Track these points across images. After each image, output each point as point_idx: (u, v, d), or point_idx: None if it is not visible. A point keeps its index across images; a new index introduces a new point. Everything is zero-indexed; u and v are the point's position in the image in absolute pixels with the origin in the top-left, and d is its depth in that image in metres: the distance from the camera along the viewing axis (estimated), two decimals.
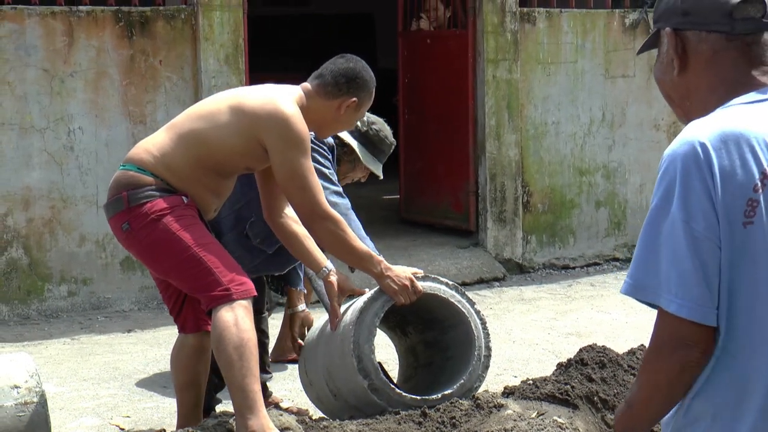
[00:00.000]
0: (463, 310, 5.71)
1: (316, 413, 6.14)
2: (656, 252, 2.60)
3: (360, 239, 5.82)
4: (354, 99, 5.48)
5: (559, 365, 5.91)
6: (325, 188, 6.05)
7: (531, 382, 5.69)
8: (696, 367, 2.62)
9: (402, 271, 5.55)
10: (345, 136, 6.56)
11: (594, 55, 11.87)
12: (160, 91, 10.01)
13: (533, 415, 5.22)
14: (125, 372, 8.13)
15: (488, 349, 5.81)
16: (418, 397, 5.56)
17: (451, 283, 5.89)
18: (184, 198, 5.38)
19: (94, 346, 8.87)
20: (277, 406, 5.70)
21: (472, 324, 5.75)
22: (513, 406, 5.34)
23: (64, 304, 9.80)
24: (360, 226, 6.17)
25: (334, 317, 5.62)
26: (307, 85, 5.55)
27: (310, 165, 5.37)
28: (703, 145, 2.60)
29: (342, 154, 6.60)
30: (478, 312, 5.82)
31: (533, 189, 11.57)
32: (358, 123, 6.43)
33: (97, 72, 9.80)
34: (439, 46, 12.05)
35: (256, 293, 5.39)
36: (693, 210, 2.57)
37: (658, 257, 2.60)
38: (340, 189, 6.34)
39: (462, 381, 5.64)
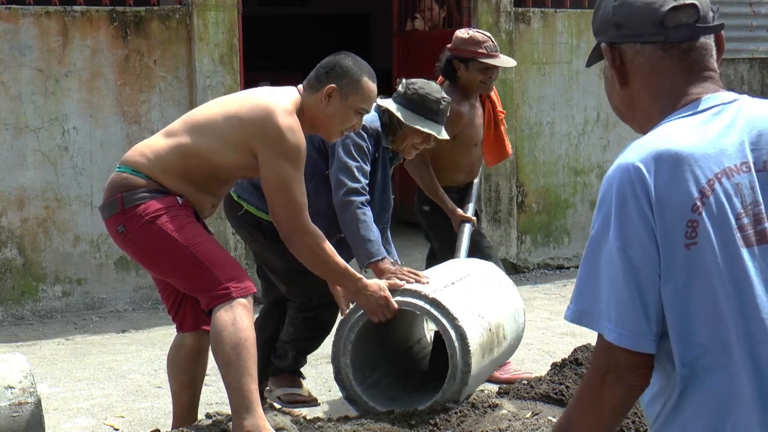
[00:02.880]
0: (437, 327, 5.64)
1: (310, 414, 6.15)
2: (596, 280, 2.60)
3: (368, 232, 6.00)
4: (333, 86, 5.45)
5: (554, 365, 5.94)
6: (341, 185, 6.13)
7: (526, 382, 5.72)
8: (638, 392, 2.64)
9: (378, 288, 5.56)
10: (385, 101, 6.44)
11: (588, 55, 11.87)
12: (155, 91, 10.01)
13: (528, 415, 5.23)
14: (119, 372, 8.13)
15: (466, 365, 5.60)
16: (391, 410, 5.57)
17: (430, 296, 5.68)
18: (178, 198, 5.37)
19: (89, 346, 8.87)
20: (271, 406, 5.69)
21: (446, 341, 5.63)
22: (508, 406, 5.36)
23: (58, 304, 9.80)
24: (371, 221, 6.11)
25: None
26: (300, 85, 5.57)
27: (300, 178, 5.35)
28: (637, 169, 2.57)
29: (387, 122, 6.40)
30: (457, 327, 5.61)
31: (528, 189, 11.59)
32: (399, 87, 6.42)
33: (92, 72, 9.81)
34: (434, 46, 12.05)
35: (255, 290, 5.39)
36: (629, 238, 2.56)
37: (598, 285, 2.60)
38: (359, 186, 6.17)
39: (436, 398, 5.63)
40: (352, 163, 6.16)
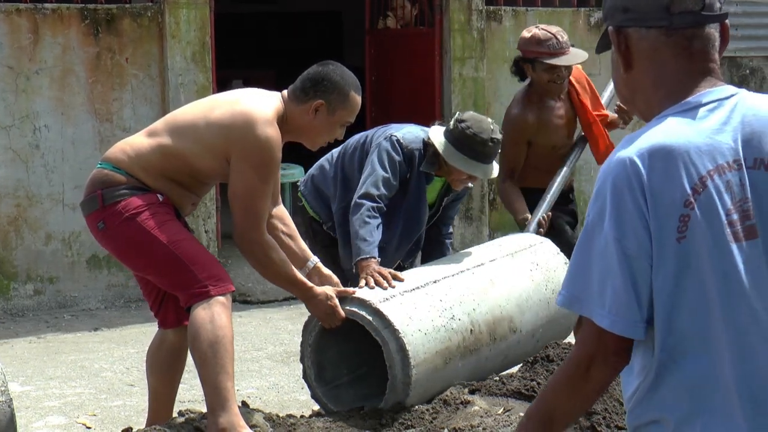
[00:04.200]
0: (377, 338, 5.60)
1: (282, 411, 6.16)
2: (589, 267, 2.64)
3: (368, 233, 5.97)
4: (320, 101, 5.42)
5: (525, 362, 5.94)
6: (362, 187, 6.13)
7: (497, 378, 5.72)
8: (616, 375, 2.70)
9: (325, 297, 5.56)
10: (435, 133, 6.24)
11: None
12: (127, 89, 10.00)
13: (500, 411, 5.24)
14: (92, 370, 8.12)
15: (407, 377, 5.49)
16: (361, 407, 5.58)
17: (374, 306, 5.55)
18: (159, 196, 5.36)
19: (61, 344, 8.86)
20: (244, 404, 5.69)
21: (385, 353, 5.54)
22: (479, 403, 5.36)
23: (30, 302, 9.79)
24: (375, 226, 6.04)
25: None
26: (285, 92, 5.55)
27: (265, 190, 5.34)
28: (633, 163, 2.61)
29: (432, 154, 6.22)
30: (397, 339, 5.48)
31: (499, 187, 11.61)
32: (452, 120, 6.23)
33: (63, 69, 9.79)
34: (406, 44, 12.08)
35: (233, 289, 5.40)
36: (625, 229, 2.60)
37: (590, 272, 2.64)
38: (377, 194, 6.09)
39: (380, 405, 5.59)
40: (380, 172, 6.14)
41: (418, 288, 5.78)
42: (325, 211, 6.50)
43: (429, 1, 11.66)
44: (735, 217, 2.62)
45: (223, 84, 10.71)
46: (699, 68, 2.73)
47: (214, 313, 5.20)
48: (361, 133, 6.54)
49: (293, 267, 5.54)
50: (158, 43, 10.06)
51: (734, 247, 2.61)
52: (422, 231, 6.48)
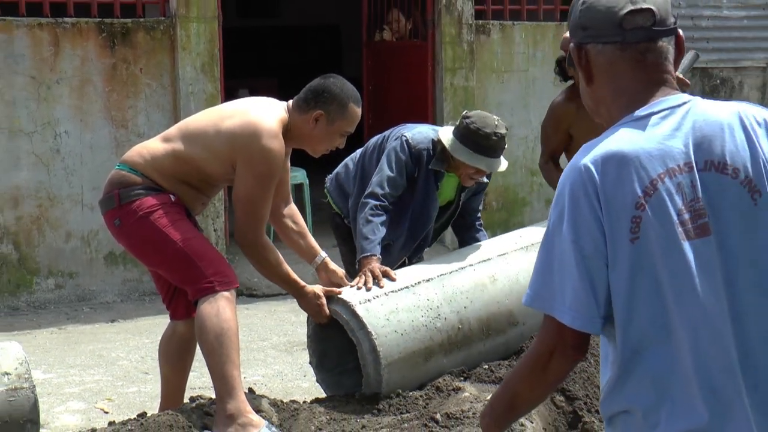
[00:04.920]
0: (353, 338, 5.53)
1: (286, 398, 6.16)
2: (551, 268, 2.65)
3: (370, 232, 5.96)
4: (320, 112, 5.40)
5: (513, 352, 5.94)
6: (370, 187, 6.15)
7: (486, 366, 5.71)
8: (574, 367, 2.74)
9: (314, 296, 5.58)
10: (442, 132, 6.21)
11: (544, 64, 11.89)
12: (141, 97, 10.00)
13: (488, 397, 5.24)
14: (109, 359, 8.13)
15: (378, 375, 5.47)
16: (360, 392, 5.55)
17: (353, 308, 5.52)
18: (171, 196, 5.37)
19: (80, 335, 8.86)
20: (250, 390, 5.69)
21: (359, 353, 5.53)
22: (470, 389, 5.36)
23: (51, 296, 9.78)
24: (379, 224, 6.02)
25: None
26: (290, 102, 5.54)
27: (266, 196, 5.34)
28: (588, 169, 2.62)
29: (440, 150, 6.17)
30: (370, 341, 5.46)
31: (488, 188, 11.58)
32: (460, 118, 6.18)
33: (82, 79, 9.79)
34: (401, 55, 12.08)
35: (237, 285, 5.40)
36: (581, 231, 2.61)
37: (552, 272, 2.65)
38: (382, 192, 6.09)
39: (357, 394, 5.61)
40: (386, 172, 6.12)
41: (406, 288, 5.72)
42: (347, 207, 6.52)
43: (422, 16, 11.65)
44: (687, 216, 2.61)
45: (230, 92, 10.71)
46: (653, 79, 2.73)
47: (219, 307, 5.21)
48: (381, 134, 6.53)
49: (287, 267, 5.55)
50: (170, 54, 10.06)
51: (686, 245, 2.61)
52: (430, 228, 6.44)
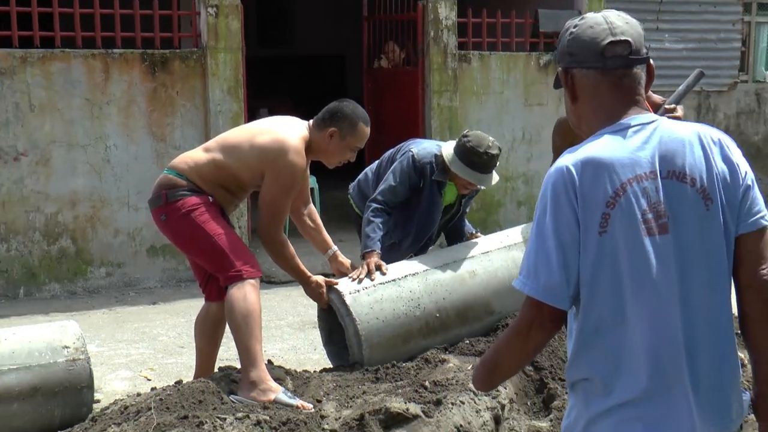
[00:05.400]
0: (341, 323, 5.57)
1: (299, 368, 6.16)
2: (535, 253, 2.65)
3: (372, 230, 5.96)
4: (334, 129, 5.43)
5: (490, 329, 5.94)
6: (375, 192, 6.17)
7: (468, 341, 5.72)
8: (550, 336, 2.70)
9: (317, 285, 5.61)
10: (445, 147, 6.09)
11: (516, 87, 11.92)
12: (177, 116, 10.01)
13: (469, 368, 5.24)
14: (151, 335, 8.15)
15: (360, 355, 5.51)
16: (360, 364, 5.56)
17: (343, 297, 5.55)
18: (210, 197, 5.40)
19: (127, 315, 8.88)
20: (269, 362, 5.71)
21: (346, 336, 5.57)
22: (453, 361, 5.36)
23: (102, 282, 9.80)
24: (379, 223, 6.02)
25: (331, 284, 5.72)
26: (311, 121, 5.57)
27: (287, 202, 5.39)
28: (569, 171, 2.62)
29: (441, 162, 6.06)
30: (355, 327, 5.50)
31: None
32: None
33: (128, 101, 9.79)
34: (396, 80, 12.07)
35: (261, 274, 5.42)
36: (560, 223, 2.61)
37: (536, 257, 2.65)
38: (383, 198, 6.08)
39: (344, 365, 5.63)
40: (389, 182, 6.11)
41: (393, 280, 5.73)
42: None
43: (414, 47, 11.65)
44: (650, 216, 2.61)
45: (252, 111, 10.71)
46: (628, 100, 2.73)
47: (246, 292, 5.23)
48: (394, 147, 6.48)
49: (299, 260, 5.57)
50: (202, 79, 10.06)
51: (647, 240, 2.61)
52: (434, 230, 6.38)
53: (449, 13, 11.42)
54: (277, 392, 5.04)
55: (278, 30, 18.69)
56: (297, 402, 4.97)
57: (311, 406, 4.93)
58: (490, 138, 6.02)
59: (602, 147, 2.65)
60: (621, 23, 2.73)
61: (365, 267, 5.78)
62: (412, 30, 11.69)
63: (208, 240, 5.31)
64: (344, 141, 5.48)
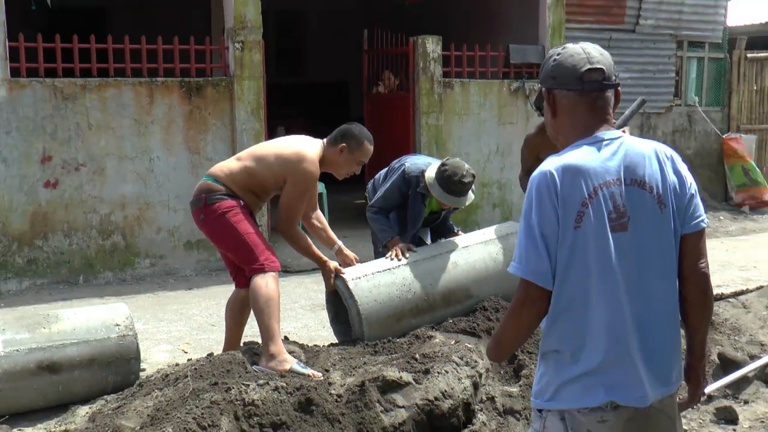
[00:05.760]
0: (345, 304, 5.58)
1: (310, 343, 6.17)
2: (524, 243, 2.65)
3: (381, 226, 6.07)
4: (344, 145, 5.49)
5: (470, 310, 5.95)
6: (373, 200, 6.23)
7: (451, 321, 5.72)
8: (543, 314, 2.69)
9: (330, 269, 5.63)
10: (428, 171, 6.01)
11: (491, 109, 11.92)
12: (209, 133, 10.01)
13: (452, 342, 5.25)
14: (187, 315, 8.15)
15: (361, 332, 5.51)
16: (361, 339, 5.56)
17: (347, 282, 5.56)
18: (241, 201, 5.44)
19: (167, 298, 8.88)
20: (285, 338, 5.72)
21: (349, 315, 5.59)
22: (439, 337, 5.36)
23: (147, 271, 9.80)
24: (381, 219, 6.12)
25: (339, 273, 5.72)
26: (325, 140, 5.63)
27: (301, 204, 5.43)
28: (552, 174, 2.63)
29: (423, 183, 6.02)
30: (356, 308, 5.51)
31: None
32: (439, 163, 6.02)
33: (168, 121, 9.79)
34: (391, 103, 12.08)
35: (280, 268, 5.46)
36: (543, 218, 2.62)
37: (525, 247, 2.65)
38: (378, 205, 6.15)
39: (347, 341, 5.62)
40: (383, 191, 6.18)
41: (388, 269, 5.75)
42: None
43: (406, 75, 11.66)
44: (614, 215, 2.63)
45: (271, 129, 10.71)
46: (600, 118, 2.74)
47: (267, 282, 5.26)
48: (396, 159, 6.46)
49: (314, 247, 5.60)
50: (229, 102, 10.06)
51: (612, 235, 2.62)
52: (418, 229, 6.34)
53: (435, 48, 11.42)
54: (292, 363, 5.06)
55: (293, 61, 18.66)
56: (308, 371, 4.99)
57: (320, 374, 4.95)
58: (466, 166, 5.95)
59: (580, 156, 2.66)
60: (597, 54, 2.74)
61: (395, 250, 5.85)
62: (404, 61, 11.69)
63: (239, 238, 5.34)
64: (352, 155, 5.53)
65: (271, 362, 5.07)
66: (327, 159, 5.54)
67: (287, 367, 5.02)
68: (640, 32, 13.38)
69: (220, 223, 5.38)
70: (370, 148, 5.58)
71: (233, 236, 5.35)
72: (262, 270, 5.30)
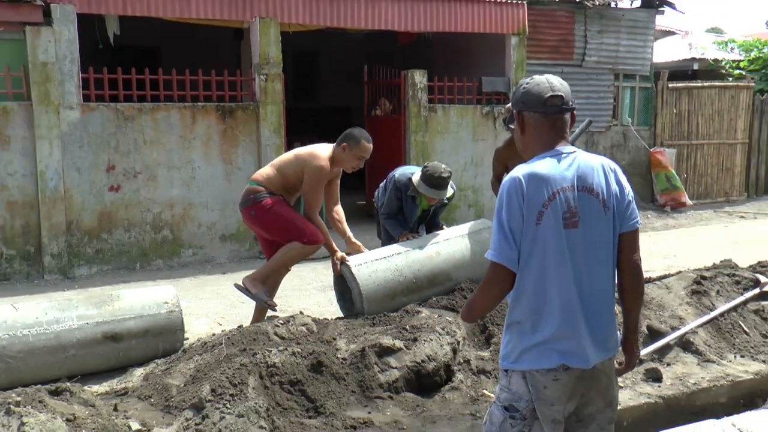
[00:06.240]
0: (350, 286, 5.56)
1: (320, 317, 6.14)
2: (496, 235, 2.65)
3: (392, 226, 6.12)
4: (346, 144, 5.57)
5: (450, 291, 5.93)
6: (382, 207, 6.27)
7: (434, 299, 5.70)
8: (507, 291, 2.70)
9: (338, 256, 5.61)
10: (415, 174, 6.02)
11: (467, 128, 11.90)
12: (239, 147, 9.98)
13: (436, 316, 5.24)
14: (222, 295, 8.10)
15: (362, 308, 5.46)
16: (362, 314, 5.50)
17: (351, 268, 5.52)
18: (280, 197, 5.61)
19: (206, 282, 8.83)
20: (301, 312, 5.70)
21: (353, 295, 5.56)
22: (425, 312, 5.35)
23: (190, 259, 9.76)
24: (392, 221, 6.15)
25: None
26: (334, 144, 5.69)
27: (317, 193, 5.52)
28: (520, 180, 2.63)
29: (412, 186, 6.02)
30: (359, 288, 5.48)
31: None
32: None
33: (207, 137, 9.76)
34: (387, 124, 12.07)
35: (322, 240, 5.57)
36: (511, 216, 2.62)
37: (497, 238, 2.64)
38: (387, 210, 6.18)
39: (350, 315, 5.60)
40: (386, 200, 6.23)
41: (384, 257, 5.73)
42: None
43: (398, 101, 11.65)
44: (568, 215, 2.63)
45: (289, 144, 10.66)
46: (559, 135, 2.74)
47: (302, 246, 5.54)
48: (392, 170, 6.42)
49: (329, 237, 5.68)
50: (256, 123, 10.03)
51: (565, 231, 2.62)
52: (413, 223, 6.33)
53: (422, 79, 11.39)
54: (260, 291, 5.44)
55: (307, 89, 18.63)
56: (268, 300, 5.42)
57: (277, 304, 5.45)
58: (443, 165, 6.01)
59: (543, 166, 2.66)
60: (558, 83, 2.74)
61: (405, 237, 6.02)
62: (397, 90, 11.66)
63: (288, 222, 5.51)
64: (353, 152, 5.58)
65: (249, 284, 5.49)
66: (335, 157, 5.60)
67: (254, 291, 5.44)
68: (585, 67, 13.38)
69: (269, 215, 5.52)
70: (368, 145, 5.61)
71: (282, 222, 5.51)
72: (304, 242, 5.51)
